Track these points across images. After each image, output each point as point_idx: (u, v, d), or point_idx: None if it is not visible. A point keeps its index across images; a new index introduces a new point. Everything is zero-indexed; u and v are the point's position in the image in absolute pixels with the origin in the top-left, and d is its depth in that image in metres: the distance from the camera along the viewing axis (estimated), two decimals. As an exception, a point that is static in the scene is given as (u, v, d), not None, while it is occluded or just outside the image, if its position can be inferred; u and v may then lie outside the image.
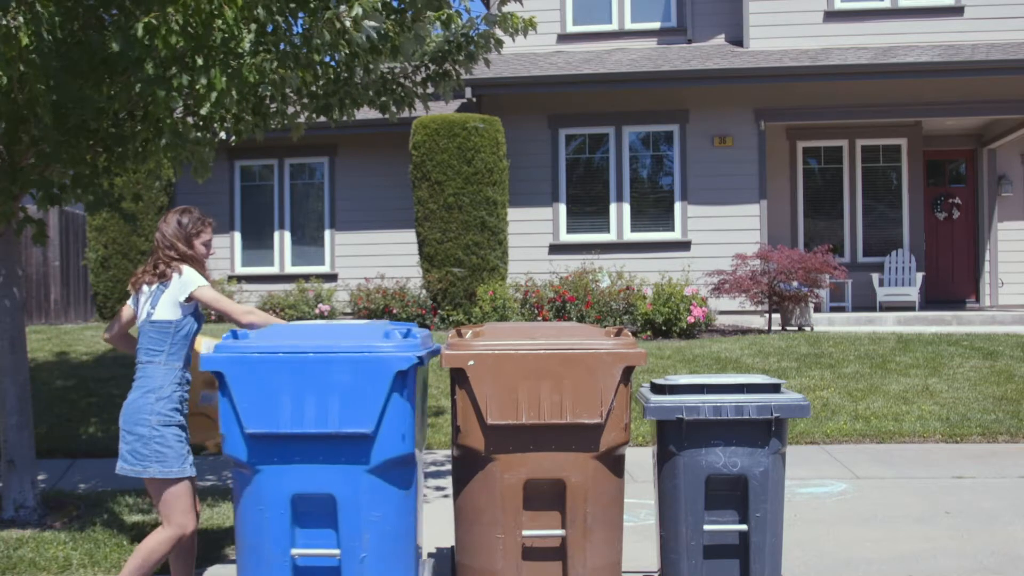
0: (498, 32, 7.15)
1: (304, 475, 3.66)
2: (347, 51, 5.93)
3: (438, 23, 6.33)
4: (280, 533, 3.67)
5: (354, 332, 3.88)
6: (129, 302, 4.45)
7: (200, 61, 5.27)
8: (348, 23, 5.56)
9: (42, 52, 5.04)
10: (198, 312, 4.29)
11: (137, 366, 4.21)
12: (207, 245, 4.41)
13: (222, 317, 15.39)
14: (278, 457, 3.67)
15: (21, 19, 4.79)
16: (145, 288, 4.29)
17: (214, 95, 5.29)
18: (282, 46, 5.83)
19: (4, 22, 4.73)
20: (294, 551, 3.67)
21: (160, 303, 4.19)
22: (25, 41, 4.82)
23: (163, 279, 4.24)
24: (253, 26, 5.47)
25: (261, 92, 5.98)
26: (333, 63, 6.47)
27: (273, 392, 3.64)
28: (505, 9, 7.15)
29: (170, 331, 4.16)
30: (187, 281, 4.20)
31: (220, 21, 5.12)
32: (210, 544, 5.53)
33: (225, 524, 5.93)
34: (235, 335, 3.80)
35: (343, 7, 5.59)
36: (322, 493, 3.66)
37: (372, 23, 5.60)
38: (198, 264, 4.32)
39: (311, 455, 3.67)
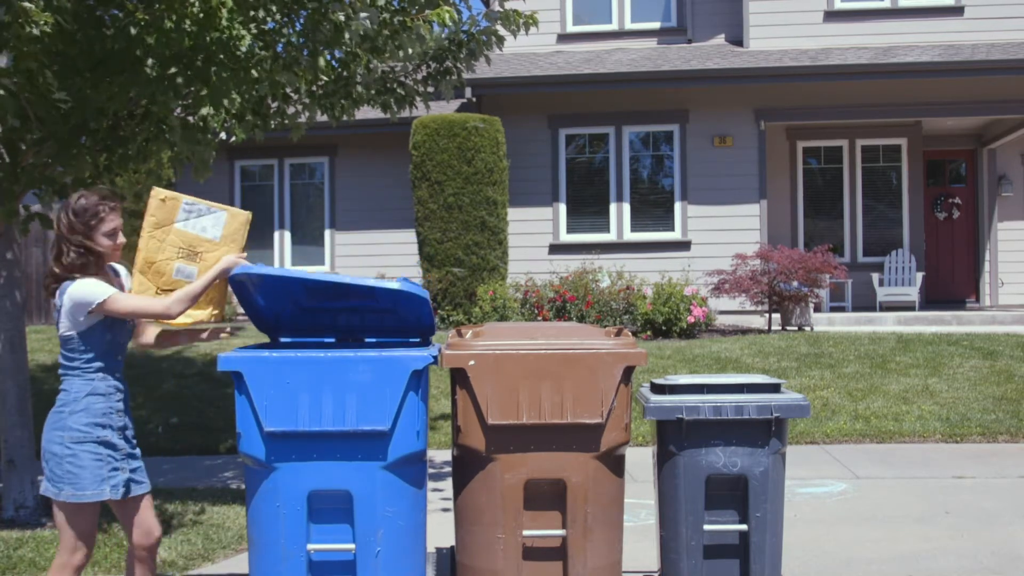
0: (500, 28, 7.15)
1: (321, 472, 3.73)
2: (346, 48, 5.92)
3: (436, 20, 6.33)
4: (296, 529, 3.73)
5: None
6: None
7: (199, 62, 5.27)
8: (342, 17, 5.55)
9: (51, 49, 5.04)
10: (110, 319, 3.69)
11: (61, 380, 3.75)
12: (112, 235, 3.74)
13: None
14: (296, 455, 3.73)
15: (33, 5, 4.76)
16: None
17: (213, 95, 5.29)
18: (280, 46, 5.83)
19: (26, 4, 4.70)
20: (310, 546, 3.74)
21: (61, 316, 3.67)
22: (48, 22, 4.78)
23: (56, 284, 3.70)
24: (252, 26, 5.47)
25: (260, 92, 5.98)
26: (335, 63, 6.47)
27: (292, 391, 3.69)
28: (507, 5, 7.14)
29: (74, 344, 3.65)
30: (83, 296, 3.61)
31: (216, 20, 5.12)
32: (208, 545, 5.53)
33: (225, 524, 5.93)
34: None
35: (337, 2, 5.58)
36: (338, 490, 3.73)
37: (365, 14, 5.59)
38: (102, 260, 3.74)
39: (328, 453, 3.73)
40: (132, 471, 3.72)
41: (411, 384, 3.73)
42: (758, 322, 13.81)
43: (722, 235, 14.26)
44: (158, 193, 3.85)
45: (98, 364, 3.66)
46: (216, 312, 3.94)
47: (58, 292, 3.68)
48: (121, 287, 3.85)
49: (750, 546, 4.10)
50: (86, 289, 3.63)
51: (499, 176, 13.67)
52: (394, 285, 3.78)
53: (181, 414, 8.93)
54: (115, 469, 3.65)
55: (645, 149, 15.16)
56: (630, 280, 13.23)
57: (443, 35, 7.02)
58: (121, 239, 3.77)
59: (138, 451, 3.81)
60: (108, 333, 3.68)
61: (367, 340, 4.26)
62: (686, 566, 4.11)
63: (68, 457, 3.57)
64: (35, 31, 4.74)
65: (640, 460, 5.54)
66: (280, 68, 5.75)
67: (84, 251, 3.66)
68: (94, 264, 3.70)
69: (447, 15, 6.21)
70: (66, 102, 5.35)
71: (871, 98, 14.22)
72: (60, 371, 3.70)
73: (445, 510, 5.84)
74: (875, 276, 14.78)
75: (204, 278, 3.76)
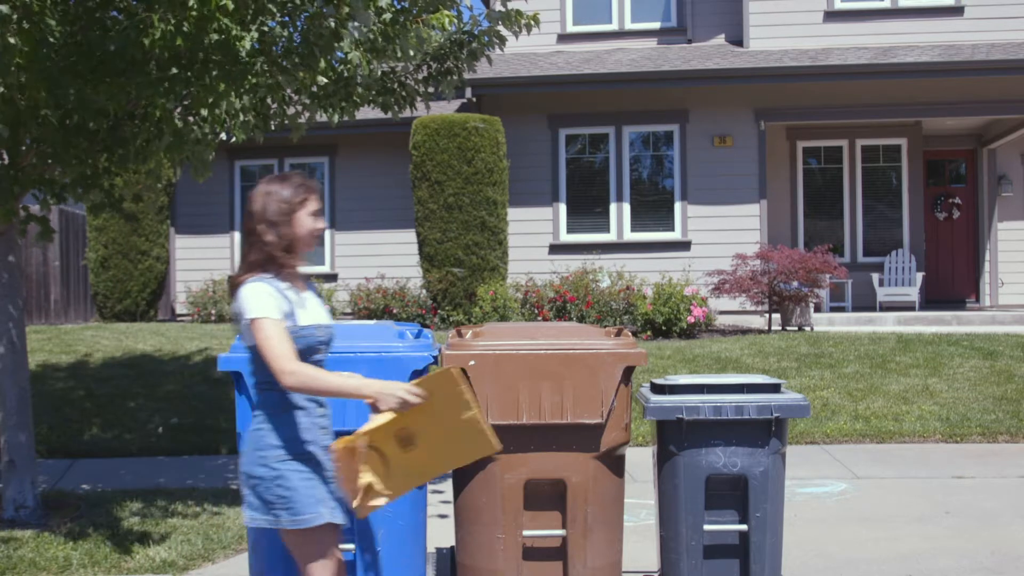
0: (501, 29, 7.15)
1: None
2: (345, 50, 5.93)
3: (435, 24, 6.33)
4: None
5: (369, 333, 3.94)
6: None
7: (198, 63, 5.27)
8: (332, 24, 5.55)
9: (41, 58, 5.04)
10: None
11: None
12: (316, 216, 3.27)
13: (223, 316, 15.42)
14: None
15: (14, 27, 4.78)
16: None
17: (212, 97, 5.30)
18: (278, 48, 5.82)
19: (2, 31, 4.73)
20: None
21: (241, 328, 3.26)
22: (26, 48, 4.81)
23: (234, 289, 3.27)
24: (253, 27, 5.47)
25: (260, 94, 5.98)
26: (335, 63, 6.48)
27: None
28: (509, 6, 7.15)
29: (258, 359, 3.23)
30: (242, 302, 3.19)
31: (215, 23, 5.12)
32: (208, 545, 5.53)
33: (225, 524, 5.93)
34: None
35: (332, 7, 5.58)
36: None
37: (355, 24, 5.59)
38: (299, 247, 3.27)
39: None
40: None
41: (411, 384, 3.74)
42: (758, 322, 13.81)
43: (722, 235, 14.26)
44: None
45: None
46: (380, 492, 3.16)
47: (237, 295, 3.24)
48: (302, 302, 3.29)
49: (750, 546, 4.10)
50: (248, 294, 3.18)
51: (499, 176, 13.67)
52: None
53: (182, 414, 8.93)
54: (329, 489, 3.21)
55: (645, 149, 15.16)
56: (630, 280, 13.23)
57: (442, 37, 7.02)
58: (322, 222, 3.32)
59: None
60: (296, 342, 3.18)
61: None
62: (686, 566, 4.11)
63: (275, 479, 3.14)
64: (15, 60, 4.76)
65: (640, 460, 5.54)
66: (279, 71, 5.75)
67: (285, 239, 3.21)
68: (291, 255, 3.24)
69: (446, 19, 6.22)
70: (58, 112, 5.34)
71: (871, 98, 14.22)
72: (254, 385, 3.29)
73: (443, 516, 5.84)
74: (875, 276, 14.78)
75: (341, 383, 3.19)
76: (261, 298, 3.16)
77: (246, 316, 3.16)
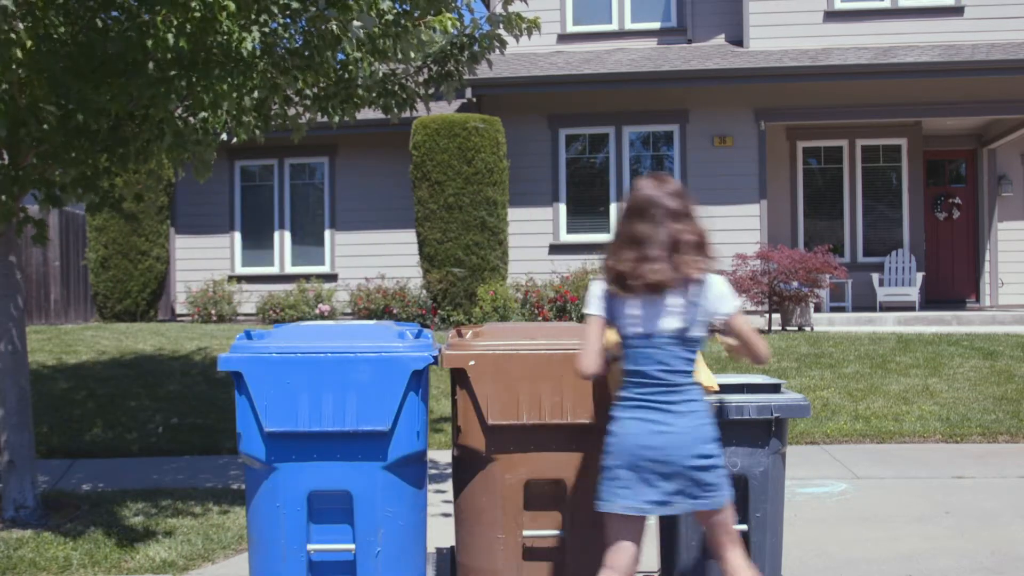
0: (502, 32, 7.15)
1: (321, 472, 3.74)
2: (347, 52, 5.93)
3: (437, 26, 6.33)
4: (296, 529, 3.74)
5: (369, 333, 3.93)
6: (600, 312, 3.69)
7: (200, 64, 5.27)
8: (335, 27, 5.54)
9: (43, 55, 5.04)
10: None
11: (674, 388, 3.37)
12: None
13: (223, 316, 15.40)
14: (296, 455, 3.74)
15: (21, 25, 4.79)
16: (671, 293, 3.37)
17: (213, 98, 5.29)
18: (279, 48, 5.82)
19: (5, 27, 4.73)
20: (310, 547, 3.75)
21: (697, 312, 3.36)
22: (29, 43, 4.82)
23: (693, 283, 3.36)
24: (255, 28, 5.47)
25: (261, 95, 5.98)
26: (336, 64, 6.48)
27: (292, 391, 3.69)
28: (510, 9, 7.14)
29: (698, 346, 3.41)
30: (724, 296, 3.39)
31: (217, 24, 5.12)
32: (208, 545, 5.53)
33: (225, 524, 5.93)
34: (249, 335, 3.83)
35: (333, 10, 5.58)
36: (338, 490, 3.74)
37: (358, 23, 5.59)
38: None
39: (328, 453, 3.74)
40: None
41: (411, 384, 3.75)
42: (758, 322, 13.81)
43: (722, 235, 14.13)
44: None
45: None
46: None
47: (697, 285, 3.36)
48: None
49: (750, 546, 4.10)
50: (726, 286, 3.39)
51: (499, 176, 13.67)
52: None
53: (182, 414, 8.93)
54: None
55: (645, 149, 15.17)
56: (630, 280, 13.21)
57: (443, 40, 7.02)
58: None
59: None
60: None
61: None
62: (686, 565, 4.11)
63: (722, 466, 3.46)
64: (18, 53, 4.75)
65: (640, 460, 5.52)
66: (280, 72, 5.75)
67: (705, 248, 3.41)
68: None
69: (448, 22, 6.22)
70: (57, 113, 5.34)
71: (871, 98, 14.23)
72: (679, 377, 3.38)
73: (446, 515, 5.84)
74: (875, 276, 14.78)
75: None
76: (731, 289, 3.39)
77: (731, 306, 3.39)
